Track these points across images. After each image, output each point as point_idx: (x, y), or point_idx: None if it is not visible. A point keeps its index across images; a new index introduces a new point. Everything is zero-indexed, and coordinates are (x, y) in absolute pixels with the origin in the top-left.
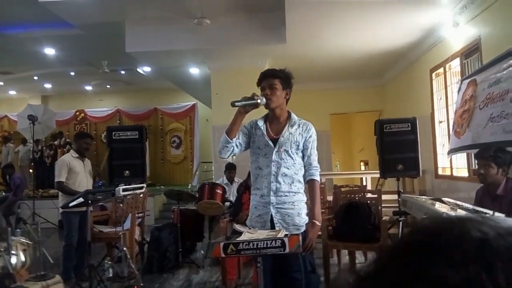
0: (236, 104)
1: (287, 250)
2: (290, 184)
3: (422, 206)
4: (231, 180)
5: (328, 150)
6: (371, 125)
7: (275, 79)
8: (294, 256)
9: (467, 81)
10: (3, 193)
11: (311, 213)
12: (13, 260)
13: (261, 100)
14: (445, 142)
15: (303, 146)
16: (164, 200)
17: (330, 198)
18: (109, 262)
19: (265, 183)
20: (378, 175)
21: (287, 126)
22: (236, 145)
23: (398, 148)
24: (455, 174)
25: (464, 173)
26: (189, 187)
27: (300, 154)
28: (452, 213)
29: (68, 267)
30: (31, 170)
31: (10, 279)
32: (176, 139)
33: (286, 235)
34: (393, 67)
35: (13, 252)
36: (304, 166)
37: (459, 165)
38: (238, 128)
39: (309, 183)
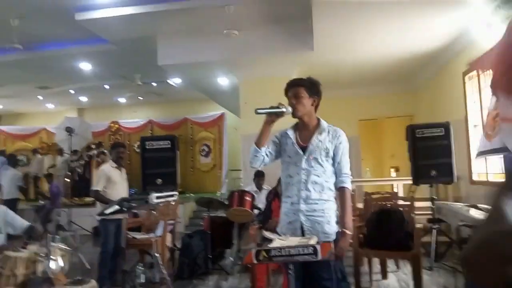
0: (259, 111)
1: (319, 257)
2: (320, 192)
3: (457, 212)
4: (260, 188)
5: (357, 157)
6: (402, 131)
7: (300, 88)
8: (325, 264)
9: None
10: (41, 202)
11: (341, 222)
12: (52, 265)
13: (287, 109)
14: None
15: (333, 153)
16: (194, 208)
17: (360, 205)
18: (142, 268)
19: (295, 191)
20: (409, 182)
21: (316, 133)
22: (266, 154)
23: (431, 153)
24: (490, 179)
25: (501, 178)
26: (218, 195)
27: (331, 161)
28: None
29: (103, 272)
30: (68, 180)
31: (49, 284)
32: (205, 148)
33: (318, 242)
34: (424, 71)
35: (52, 257)
36: (335, 173)
37: (495, 171)
38: (266, 137)
39: (340, 191)
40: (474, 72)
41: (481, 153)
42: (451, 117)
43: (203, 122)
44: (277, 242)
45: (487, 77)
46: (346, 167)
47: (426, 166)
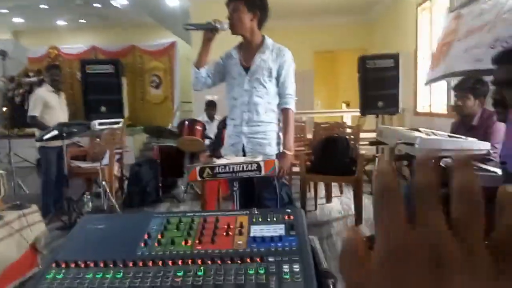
0: (188, 27)
1: (263, 173)
2: (263, 114)
3: (397, 132)
4: (211, 118)
5: (309, 89)
6: (356, 64)
7: (238, 2)
8: (268, 185)
9: (452, 14)
10: None
11: (283, 143)
12: None
13: (221, 25)
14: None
15: (276, 73)
16: (145, 140)
17: (309, 136)
18: (88, 197)
19: (238, 113)
20: (358, 114)
21: (258, 52)
22: (208, 75)
23: (380, 84)
24: (433, 111)
25: (443, 110)
26: (169, 127)
27: (274, 81)
28: (427, 137)
29: (47, 201)
30: (4, 109)
31: None
32: (155, 79)
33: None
34: (380, 2)
35: None
36: (279, 94)
37: (438, 102)
38: (205, 57)
39: (283, 112)
40: (428, 3)
41: (429, 81)
42: (403, 49)
43: (152, 50)
44: (222, 161)
45: (439, 8)
46: (290, 88)
47: (374, 97)
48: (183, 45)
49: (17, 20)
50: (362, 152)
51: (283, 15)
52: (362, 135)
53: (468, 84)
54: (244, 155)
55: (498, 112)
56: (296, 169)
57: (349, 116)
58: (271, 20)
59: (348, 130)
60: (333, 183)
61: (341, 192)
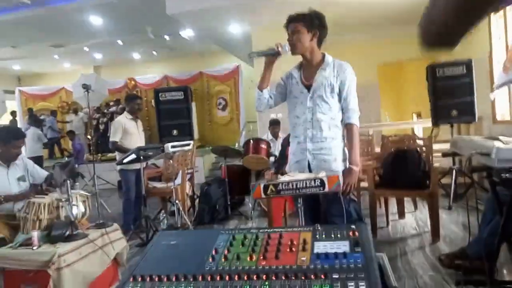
0: (252, 55)
1: (327, 189)
2: (327, 130)
3: (472, 142)
4: (275, 136)
5: (376, 103)
6: (424, 73)
7: (297, 23)
8: (335, 201)
9: None
10: (66, 158)
11: (348, 159)
12: (75, 210)
13: (283, 48)
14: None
15: (338, 89)
16: (213, 159)
17: (378, 150)
18: (164, 215)
19: (301, 130)
20: (429, 124)
21: (319, 69)
22: (270, 96)
23: (452, 93)
24: None
25: None
26: (236, 146)
27: (337, 97)
28: (504, 146)
29: (128, 220)
30: (88, 137)
31: (72, 226)
32: (222, 101)
33: (325, 176)
34: None
35: (73, 203)
36: (342, 110)
37: None
38: (267, 79)
39: (347, 127)
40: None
41: (498, 86)
42: (475, 55)
43: (218, 75)
44: (285, 177)
45: None
46: (352, 103)
47: (446, 106)
48: (246, 68)
49: (97, 56)
50: (436, 164)
51: (344, 30)
52: (436, 146)
53: None
54: (310, 172)
55: None
56: (364, 184)
57: (420, 127)
58: (333, 35)
59: (419, 142)
60: (406, 199)
61: (416, 208)
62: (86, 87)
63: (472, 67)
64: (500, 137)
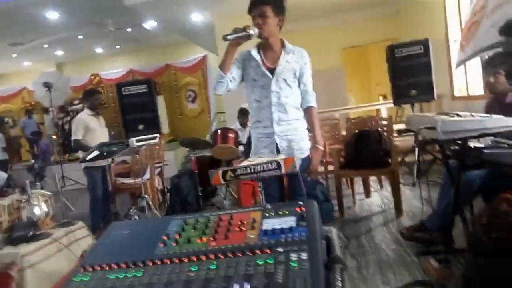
0: (229, 38)
1: (283, 171)
2: (291, 113)
3: (423, 118)
4: (244, 125)
5: (341, 87)
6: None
7: (265, 6)
8: (298, 182)
9: None
10: (32, 161)
11: (313, 139)
12: (37, 210)
13: (254, 31)
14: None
15: (299, 74)
16: (185, 153)
17: (344, 133)
18: (135, 211)
19: (266, 114)
20: (391, 105)
21: (283, 54)
22: (230, 79)
23: (411, 72)
24: (471, 94)
25: (480, 90)
26: (207, 138)
27: (297, 82)
28: (449, 119)
29: (96, 218)
30: (54, 137)
31: (34, 227)
32: (191, 93)
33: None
34: None
35: (35, 203)
36: (301, 94)
37: (475, 85)
38: (231, 62)
39: (308, 110)
40: None
41: (459, 63)
42: (433, 35)
43: (185, 66)
44: (244, 162)
45: None
46: (310, 87)
47: (406, 86)
48: (213, 57)
49: (58, 52)
50: (398, 143)
51: (307, 16)
52: (398, 126)
53: (499, 60)
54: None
55: (511, 84)
56: (331, 167)
57: (385, 108)
58: (297, 22)
59: (383, 122)
60: (372, 178)
61: (381, 186)
62: (47, 85)
63: (429, 47)
64: (451, 112)
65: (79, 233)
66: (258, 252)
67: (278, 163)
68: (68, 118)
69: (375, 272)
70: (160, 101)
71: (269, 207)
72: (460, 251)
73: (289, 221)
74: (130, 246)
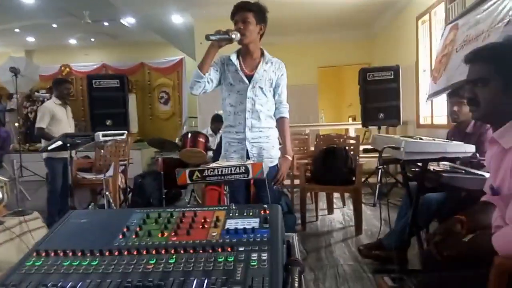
0: (211, 38)
1: (251, 175)
2: (264, 120)
3: (388, 139)
4: (216, 131)
5: (314, 103)
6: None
7: (248, 13)
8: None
9: (449, 26)
10: None
11: (283, 149)
12: None
13: (235, 36)
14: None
15: (275, 84)
16: (152, 154)
17: (312, 148)
18: (94, 208)
19: (239, 120)
20: (360, 126)
21: (261, 63)
22: (208, 81)
23: (381, 96)
24: (435, 122)
25: (444, 120)
26: (176, 140)
27: (272, 92)
28: (411, 140)
29: (52, 211)
30: (16, 124)
31: None
32: (164, 95)
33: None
34: (382, 16)
35: None
36: (275, 104)
37: (439, 114)
38: (210, 63)
39: (280, 121)
40: (427, 16)
41: (430, 96)
42: (404, 62)
43: (161, 67)
44: (213, 164)
45: (438, 20)
46: (284, 98)
47: (375, 109)
48: (190, 61)
49: (29, 39)
50: (362, 162)
51: (286, 31)
52: (365, 147)
53: (463, 90)
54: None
55: (472, 110)
56: (297, 181)
57: (353, 129)
58: (276, 36)
59: (351, 141)
60: (335, 195)
61: (344, 204)
62: (14, 71)
63: (399, 73)
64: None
65: (33, 224)
66: (219, 250)
67: (246, 168)
68: (34, 107)
69: (331, 285)
70: (132, 99)
71: (234, 207)
72: (414, 272)
73: (252, 222)
74: (88, 235)
